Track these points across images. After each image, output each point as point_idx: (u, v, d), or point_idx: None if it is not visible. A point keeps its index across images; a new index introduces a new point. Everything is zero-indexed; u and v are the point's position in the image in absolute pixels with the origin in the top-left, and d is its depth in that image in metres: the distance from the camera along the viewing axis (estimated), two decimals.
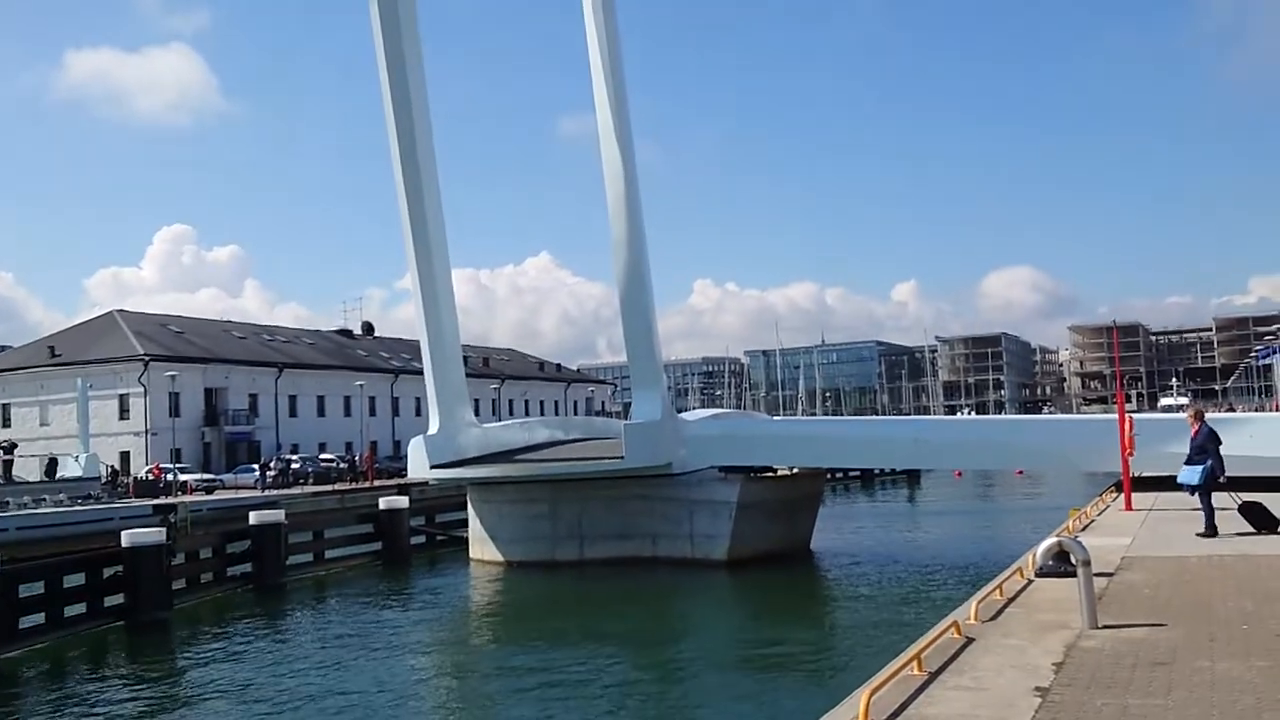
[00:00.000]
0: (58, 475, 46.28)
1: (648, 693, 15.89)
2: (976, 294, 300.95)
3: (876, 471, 67.19)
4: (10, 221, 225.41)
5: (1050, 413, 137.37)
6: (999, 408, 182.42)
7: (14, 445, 48.21)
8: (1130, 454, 20.12)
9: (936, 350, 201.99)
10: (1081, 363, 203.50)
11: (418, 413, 72.12)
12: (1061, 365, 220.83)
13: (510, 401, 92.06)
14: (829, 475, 45.40)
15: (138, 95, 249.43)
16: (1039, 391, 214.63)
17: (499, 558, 30.94)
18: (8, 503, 39.69)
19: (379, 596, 26.63)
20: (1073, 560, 10.02)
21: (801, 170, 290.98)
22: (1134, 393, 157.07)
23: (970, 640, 9.25)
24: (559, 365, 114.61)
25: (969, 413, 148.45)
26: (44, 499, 41.42)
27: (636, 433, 28.77)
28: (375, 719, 14.48)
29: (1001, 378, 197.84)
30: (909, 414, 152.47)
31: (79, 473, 45.85)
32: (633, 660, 18.25)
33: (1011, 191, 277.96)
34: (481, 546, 31.67)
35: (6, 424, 65.85)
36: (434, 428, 32.21)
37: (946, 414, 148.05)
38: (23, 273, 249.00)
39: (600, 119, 29.35)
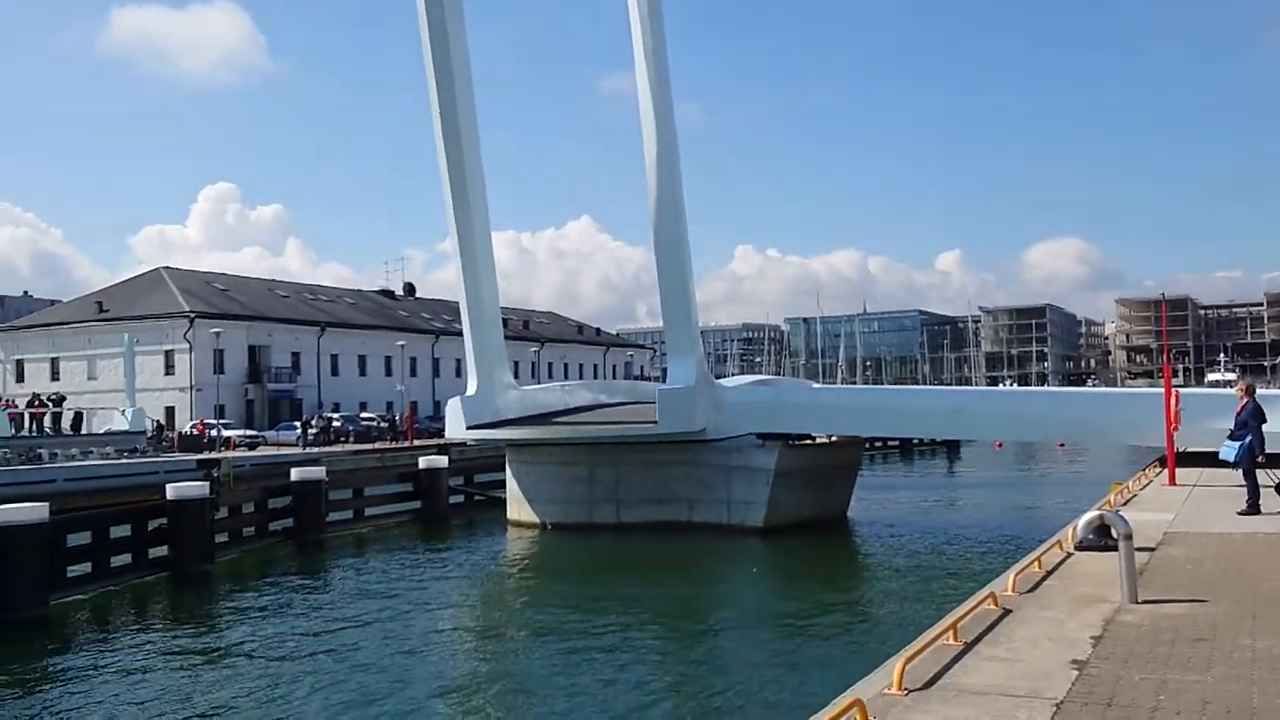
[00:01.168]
0: (104, 430, 47.02)
1: (682, 655, 15.96)
2: (1021, 265, 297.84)
3: (915, 441, 66.81)
4: (57, 178, 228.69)
5: (1094, 386, 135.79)
6: (1042, 380, 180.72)
7: (62, 398, 48.99)
8: (1175, 429, 19.84)
9: (980, 321, 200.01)
10: (1128, 336, 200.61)
11: (458, 374, 72.51)
12: (1107, 338, 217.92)
13: (549, 365, 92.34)
14: (867, 444, 45.18)
15: (184, 53, 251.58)
16: (1083, 364, 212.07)
17: (536, 519, 31.13)
18: (56, 454, 40.45)
19: (417, 554, 26.91)
20: (1114, 534, 9.90)
21: (846, 136, 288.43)
22: (1180, 367, 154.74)
23: (1007, 612, 9.18)
24: (598, 329, 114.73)
25: (1011, 384, 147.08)
26: (91, 451, 42.16)
27: (670, 398, 28.72)
28: (409, 674, 14.65)
29: (1045, 350, 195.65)
30: (950, 385, 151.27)
31: (125, 426, 46.55)
32: (668, 623, 18.32)
33: (1059, 162, 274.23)
34: (519, 508, 31.88)
35: (55, 378, 67.00)
36: (472, 389, 32.38)
37: (988, 385, 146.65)
38: (70, 229, 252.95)
39: (639, 78, 29.05)
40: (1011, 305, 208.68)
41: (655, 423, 28.51)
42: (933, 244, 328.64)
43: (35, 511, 18.99)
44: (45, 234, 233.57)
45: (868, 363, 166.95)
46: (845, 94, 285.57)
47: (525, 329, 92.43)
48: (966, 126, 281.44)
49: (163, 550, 22.76)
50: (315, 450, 48.41)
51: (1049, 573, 11.02)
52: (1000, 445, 66.14)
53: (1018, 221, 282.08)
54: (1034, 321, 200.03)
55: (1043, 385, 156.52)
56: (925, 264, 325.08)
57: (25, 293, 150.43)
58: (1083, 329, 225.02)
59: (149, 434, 48.36)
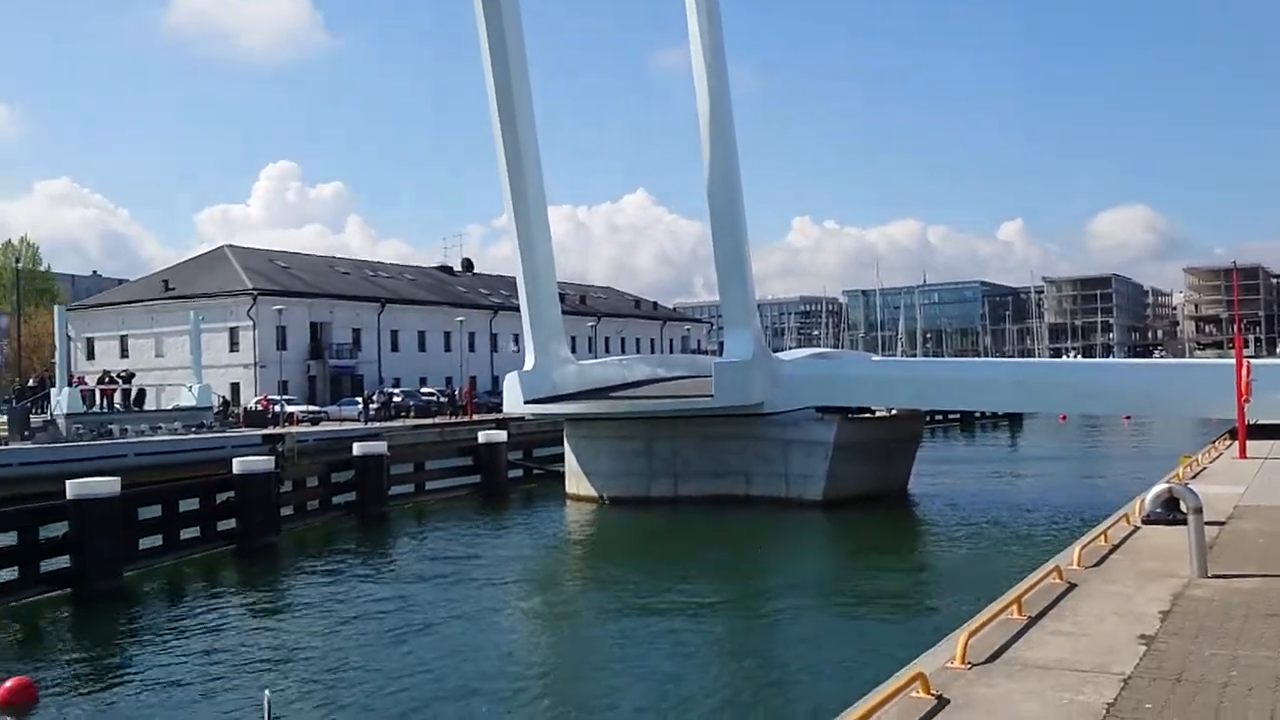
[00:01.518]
0: (172, 406, 48.03)
1: (742, 628, 15.99)
2: (1086, 234, 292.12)
3: (977, 414, 66.15)
4: (124, 160, 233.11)
5: (1162, 357, 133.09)
6: (1107, 351, 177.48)
7: (132, 375, 50.08)
8: (1246, 400, 19.41)
9: (1043, 291, 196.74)
10: (1196, 306, 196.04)
11: (516, 349, 72.98)
12: (1175, 308, 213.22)
13: (606, 339, 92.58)
14: (928, 417, 44.75)
15: (243, 33, 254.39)
16: (1150, 335, 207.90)
17: (594, 493, 31.31)
18: (126, 430, 41.44)
19: (477, 527, 27.20)
20: (1183, 508, 9.72)
21: (906, 103, 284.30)
22: (1251, 338, 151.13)
23: (1072, 586, 9.06)
24: (655, 303, 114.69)
25: (1075, 356, 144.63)
26: (160, 427, 43.13)
27: (726, 372, 28.64)
28: (468, 642, 14.83)
29: (1110, 320, 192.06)
30: (1012, 357, 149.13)
31: (192, 403, 47.51)
32: (726, 596, 18.35)
33: (1124, 128, 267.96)
34: (577, 481, 32.07)
35: (124, 355, 68.50)
36: (529, 364, 32.56)
37: (1051, 357, 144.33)
38: (138, 209, 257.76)
39: (694, 51, 28.82)
40: (1076, 275, 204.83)
41: (712, 396, 28.47)
42: (995, 213, 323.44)
43: (108, 485, 19.47)
44: (113, 214, 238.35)
45: (928, 335, 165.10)
46: (904, 57, 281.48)
47: (582, 304, 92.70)
48: (1029, 91, 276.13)
49: (230, 523, 23.24)
50: (376, 425, 49.07)
51: (1115, 547, 10.85)
52: (1064, 418, 65.21)
53: (1083, 189, 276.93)
54: (1099, 292, 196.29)
55: (1108, 357, 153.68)
56: (987, 234, 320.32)
57: (94, 272, 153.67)
58: (1150, 299, 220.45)
59: (215, 410, 49.30)
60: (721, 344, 32.98)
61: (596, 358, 70.89)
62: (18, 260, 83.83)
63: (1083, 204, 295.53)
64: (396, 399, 59.91)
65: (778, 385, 29.15)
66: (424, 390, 66.36)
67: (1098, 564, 9.99)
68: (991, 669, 6.78)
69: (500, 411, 40.81)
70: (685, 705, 11.72)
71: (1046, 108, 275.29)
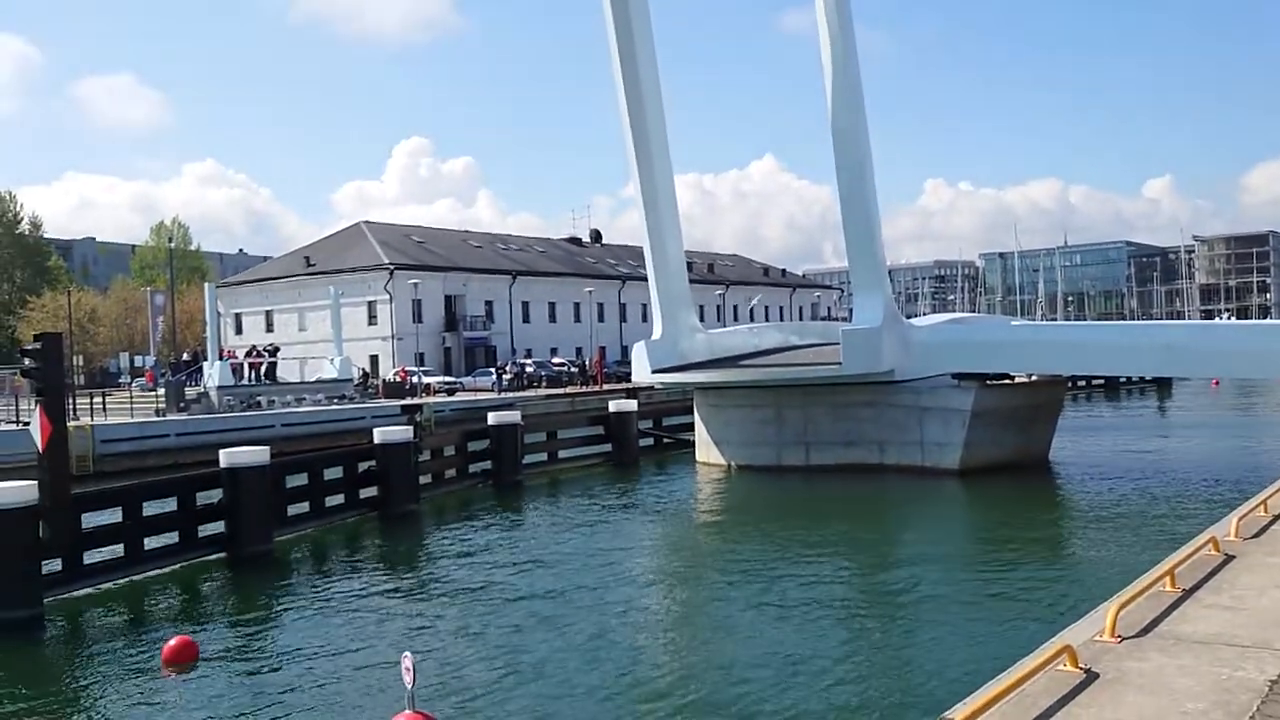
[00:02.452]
0: (315, 378, 49.85)
1: (880, 598, 15.75)
2: (1240, 189, 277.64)
3: (1122, 380, 63.74)
4: (265, 140, 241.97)
5: None
6: (1264, 313, 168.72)
7: (277, 349, 52.14)
8: None
9: (1194, 251, 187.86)
10: None
11: (644, 318, 73.33)
12: None
13: (735, 307, 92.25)
14: (1070, 383, 43.26)
15: (375, 11, 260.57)
16: None
17: (724, 461, 31.28)
18: (273, 401, 43.20)
19: (609, 495, 27.47)
20: None
21: (1042, 57, 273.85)
22: None
23: (1229, 558, 8.64)
24: (784, 270, 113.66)
25: (1229, 318, 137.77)
26: (304, 398, 44.82)
27: (854, 339, 28.12)
28: (603, 609, 14.99)
29: (1268, 280, 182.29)
30: (1160, 320, 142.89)
31: (334, 375, 49.22)
32: (863, 566, 18.14)
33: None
34: (707, 450, 32.08)
35: (270, 329, 71.37)
36: (657, 333, 32.63)
37: (1203, 320, 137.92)
38: (278, 188, 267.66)
39: (819, 5, 28.16)
40: (1229, 233, 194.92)
41: (839, 364, 28.04)
42: (1140, 170, 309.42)
43: (259, 455, 20.28)
44: (256, 194, 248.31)
45: (1069, 298, 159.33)
46: (1040, 11, 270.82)
47: (710, 272, 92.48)
48: (1175, 35, 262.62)
49: (372, 491, 23.98)
50: (510, 395, 50.03)
51: (1277, 517, 10.31)
52: (1217, 383, 62.27)
53: (1237, 141, 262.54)
54: (1255, 250, 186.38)
55: (1265, 319, 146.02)
56: (1132, 192, 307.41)
57: (240, 250, 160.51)
58: None
59: (355, 381, 50.97)
60: (851, 311, 32.40)
61: (725, 326, 70.67)
62: (170, 240, 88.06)
63: (1237, 157, 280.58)
64: (529, 369, 60.94)
65: (911, 352, 28.53)
66: (555, 361, 67.34)
67: (1257, 535, 9.51)
68: (1143, 643, 6.51)
69: (629, 381, 41.14)
70: (817, 677, 11.62)
71: (1193, 55, 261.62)
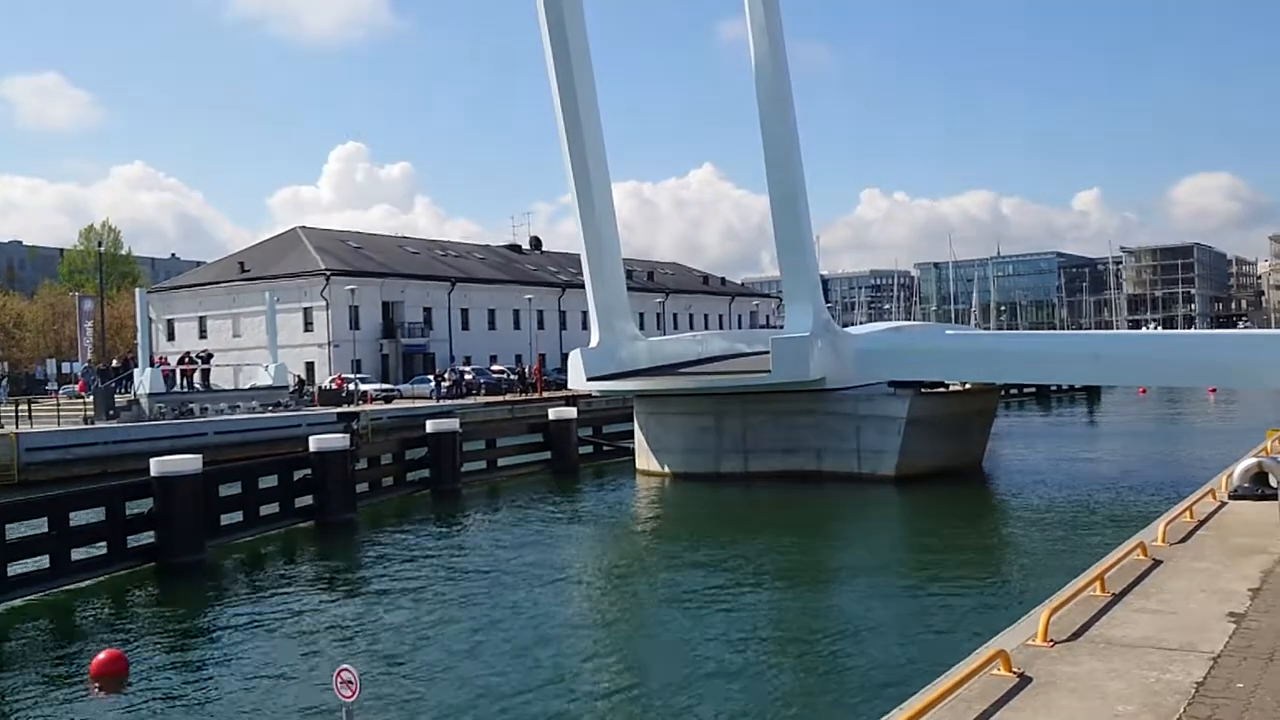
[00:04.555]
0: (249, 385, 49.09)
1: (817, 605, 15.87)
2: (1166, 202, 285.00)
3: (1053, 388, 64.95)
4: (196, 143, 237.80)
5: (1247, 328, 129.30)
6: (1189, 323, 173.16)
7: (210, 355, 51.30)
8: None
9: (1121, 262, 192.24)
10: None
11: (584, 326, 73.01)
12: (1260, 278, 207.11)
13: (674, 315, 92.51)
14: (1003, 391, 43.99)
15: (310, 12, 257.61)
16: (1234, 306, 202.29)
17: (664, 469, 31.33)
18: (206, 409, 42.45)
19: (548, 503, 27.37)
20: (1272, 482, 9.45)
21: (976, 70, 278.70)
22: None
23: (1157, 562, 8.84)
24: (723, 279, 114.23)
25: (1155, 328, 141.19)
26: (238, 406, 44.10)
27: (784, 347, 28.23)
28: (541, 616, 14.93)
29: (1192, 291, 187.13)
30: (1089, 329, 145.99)
31: (269, 382, 48.48)
32: (800, 572, 18.26)
33: (1206, 91, 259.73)
34: (647, 458, 32.11)
35: (203, 336, 70.14)
36: (594, 340, 32.61)
37: (1130, 329, 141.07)
38: (211, 192, 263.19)
39: (749, 17, 28.29)
40: (1156, 245, 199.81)
41: (769, 372, 28.18)
42: (1070, 182, 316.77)
43: (190, 463, 19.92)
44: (188, 197, 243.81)
45: (1002, 308, 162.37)
46: (975, 28, 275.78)
47: (649, 280, 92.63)
48: (1104, 55, 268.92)
49: (308, 500, 23.66)
50: (448, 403, 49.68)
51: (1201, 522, 10.57)
52: (1144, 391, 63.74)
53: (1163, 156, 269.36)
54: (1180, 261, 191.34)
55: (1189, 329, 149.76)
56: (1062, 204, 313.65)
57: (173, 255, 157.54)
58: (1233, 269, 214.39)
59: (291, 389, 50.27)
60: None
61: (665, 334, 70.82)
62: (100, 244, 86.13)
63: (1162, 171, 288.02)
64: (468, 377, 60.57)
65: (846, 360, 28.80)
66: (494, 368, 66.99)
67: (1183, 540, 9.74)
68: (1075, 646, 6.64)
69: (568, 388, 41.07)
70: (755, 682, 11.67)
71: (1121, 72, 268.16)
